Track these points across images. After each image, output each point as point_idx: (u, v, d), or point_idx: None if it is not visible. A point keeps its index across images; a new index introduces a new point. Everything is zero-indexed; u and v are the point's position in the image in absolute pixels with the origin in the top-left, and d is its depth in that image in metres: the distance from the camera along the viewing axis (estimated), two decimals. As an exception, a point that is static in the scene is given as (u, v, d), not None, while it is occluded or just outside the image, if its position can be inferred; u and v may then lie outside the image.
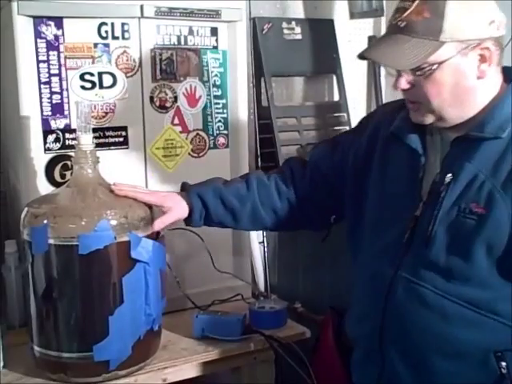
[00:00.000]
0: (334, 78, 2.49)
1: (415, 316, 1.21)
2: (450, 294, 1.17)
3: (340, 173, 1.46)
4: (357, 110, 2.57)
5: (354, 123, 2.49)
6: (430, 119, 1.21)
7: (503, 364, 1.16)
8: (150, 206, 1.54)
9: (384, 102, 2.56)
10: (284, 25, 2.36)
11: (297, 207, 1.54)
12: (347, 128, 2.47)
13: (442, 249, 1.17)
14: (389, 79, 2.60)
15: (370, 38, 2.58)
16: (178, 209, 1.51)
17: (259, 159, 2.11)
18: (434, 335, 1.19)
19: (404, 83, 1.18)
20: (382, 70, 2.58)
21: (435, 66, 1.14)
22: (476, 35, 1.13)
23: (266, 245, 2.14)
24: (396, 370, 1.26)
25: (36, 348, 1.51)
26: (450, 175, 1.18)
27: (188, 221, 1.54)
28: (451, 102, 1.17)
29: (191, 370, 1.63)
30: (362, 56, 1.21)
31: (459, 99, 1.18)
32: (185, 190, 1.55)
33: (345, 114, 2.48)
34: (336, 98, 2.50)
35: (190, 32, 1.85)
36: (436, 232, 1.17)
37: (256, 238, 2.17)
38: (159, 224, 1.50)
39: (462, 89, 1.17)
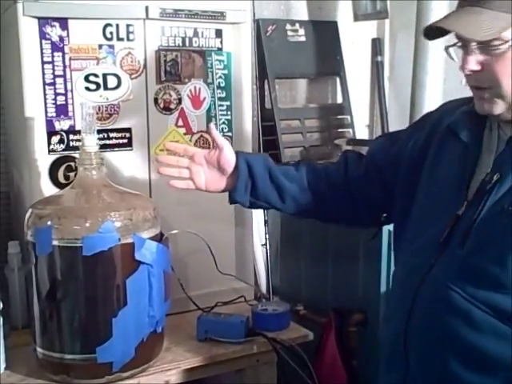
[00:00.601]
0: (338, 80, 2.49)
1: (439, 318, 1.14)
2: (479, 300, 1.09)
3: (395, 167, 1.37)
4: (360, 113, 2.57)
5: (358, 125, 2.52)
6: (499, 107, 1.11)
7: None
8: (154, 208, 1.54)
9: (387, 104, 2.56)
10: (288, 26, 2.37)
11: (346, 197, 1.46)
12: (350, 130, 2.48)
13: (476, 250, 1.10)
14: (392, 82, 2.60)
15: (374, 41, 2.59)
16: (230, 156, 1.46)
17: (262, 161, 2.11)
18: (458, 341, 1.12)
19: (473, 63, 1.08)
20: (386, 72, 2.58)
21: (509, 43, 1.05)
22: None
23: (268, 247, 2.14)
24: (418, 376, 1.19)
25: (39, 349, 1.51)
26: (497, 174, 1.11)
27: (233, 193, 1.46)
28: None
29: (194, 372, 1.63)
30: (428, 31, 1.12)
31: None
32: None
33: (348, 117, 2.48)
34: (339, 100, 2.51)
35: (195, 33, 1.85)
36: (474, 232, 1.11)
37: (258, 240, 2.18)
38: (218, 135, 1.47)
39: None
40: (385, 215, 1.47)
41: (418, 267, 1.19)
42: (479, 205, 1.11)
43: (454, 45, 1.11)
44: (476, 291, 1.09)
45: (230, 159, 1.45)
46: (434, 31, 1.11)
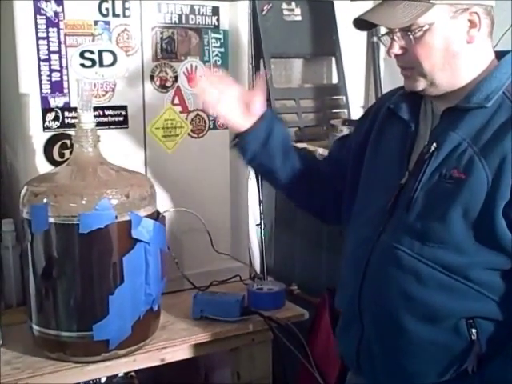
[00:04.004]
0: (333, 60, 2.48)
1: (390, 278, 1.24)
2: (425, 257, 1.20)
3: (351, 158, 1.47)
4: (355, 93, 2.56)
5: (353, 106, 2.51)
6: (422, 84, 1.24)
7: (473, 331, 1.19)
8: (151, 185, 1.54)
9: (382, 85, 2.55)
10: (284, 6, 2.34)
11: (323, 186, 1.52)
12: (345, 111, 2.47)
13: (420, 213, 1.21)
14: (388, 62, 2.59)
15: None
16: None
17: (258, 141, 2.10)
18: (408, 298, 1.22)
19: (397, 48, 1.22)
20: (382, 53, 2.57)
21: (425, 28, 1.18)
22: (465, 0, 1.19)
23: (262, 227, 2.14)
24: (372, 336, 1.29)
25: (35, 327, 1.51)
26: (434, 144, 1.22)
27: (247, 135, 1.45)
28: (441, 65, 1.21)
29: (189, 351, 1.64)
30: (357, 21, 1.25)
31: (449, 63, 1.21)
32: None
33: (343, 97, 2.47)
34: (335, 80, 2.49)
35: (192, 11, 1.83)
36: (417, 197, 1.22)
37: (253, 220, 2.18)
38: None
39: (452, 52, 1.20)
40: None
41: (368, 237, 1.30)
42: (419, 173, 1.22)
43: (385, 34, 1.25)
44: (422, 248, 1.21)
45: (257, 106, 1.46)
46: (363, 22, 1.23)
